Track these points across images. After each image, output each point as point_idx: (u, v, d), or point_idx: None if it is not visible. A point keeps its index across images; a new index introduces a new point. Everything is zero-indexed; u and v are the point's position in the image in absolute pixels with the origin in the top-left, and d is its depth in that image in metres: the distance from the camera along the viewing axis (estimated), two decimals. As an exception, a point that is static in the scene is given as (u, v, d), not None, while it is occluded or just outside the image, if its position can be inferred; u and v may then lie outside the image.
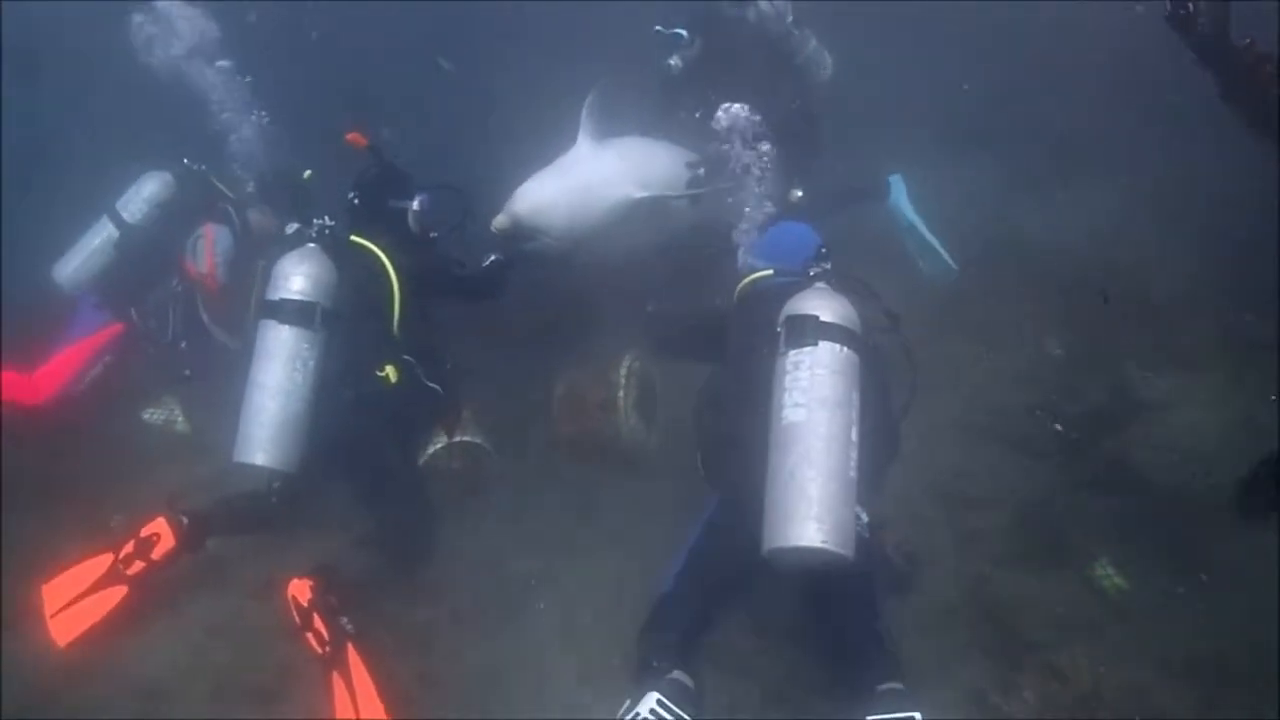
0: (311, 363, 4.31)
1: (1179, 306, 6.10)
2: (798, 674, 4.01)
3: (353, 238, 4.69)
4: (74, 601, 4.09)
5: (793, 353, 3.59)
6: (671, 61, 6.24)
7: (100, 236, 5.91)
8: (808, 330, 3.62)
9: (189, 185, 6.05)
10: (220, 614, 4.34)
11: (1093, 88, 7.94)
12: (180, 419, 5.71)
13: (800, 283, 3.95)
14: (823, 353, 3.56)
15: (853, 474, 3.42)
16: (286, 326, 4.26)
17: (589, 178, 5.46)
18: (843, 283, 3.97)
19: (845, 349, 3.59)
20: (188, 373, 5.74)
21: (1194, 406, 5.31)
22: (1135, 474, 4.89)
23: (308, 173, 5.52)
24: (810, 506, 3.31)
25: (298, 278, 4.36)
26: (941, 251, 6.46)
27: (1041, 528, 4.68)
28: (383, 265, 4.58)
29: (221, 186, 6.09)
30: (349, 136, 5.09)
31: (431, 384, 4.78)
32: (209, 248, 5.84)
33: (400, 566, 4.53)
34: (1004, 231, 7.21)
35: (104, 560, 4.18)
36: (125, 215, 5.89)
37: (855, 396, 3.56)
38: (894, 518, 4.41)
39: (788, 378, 3.56)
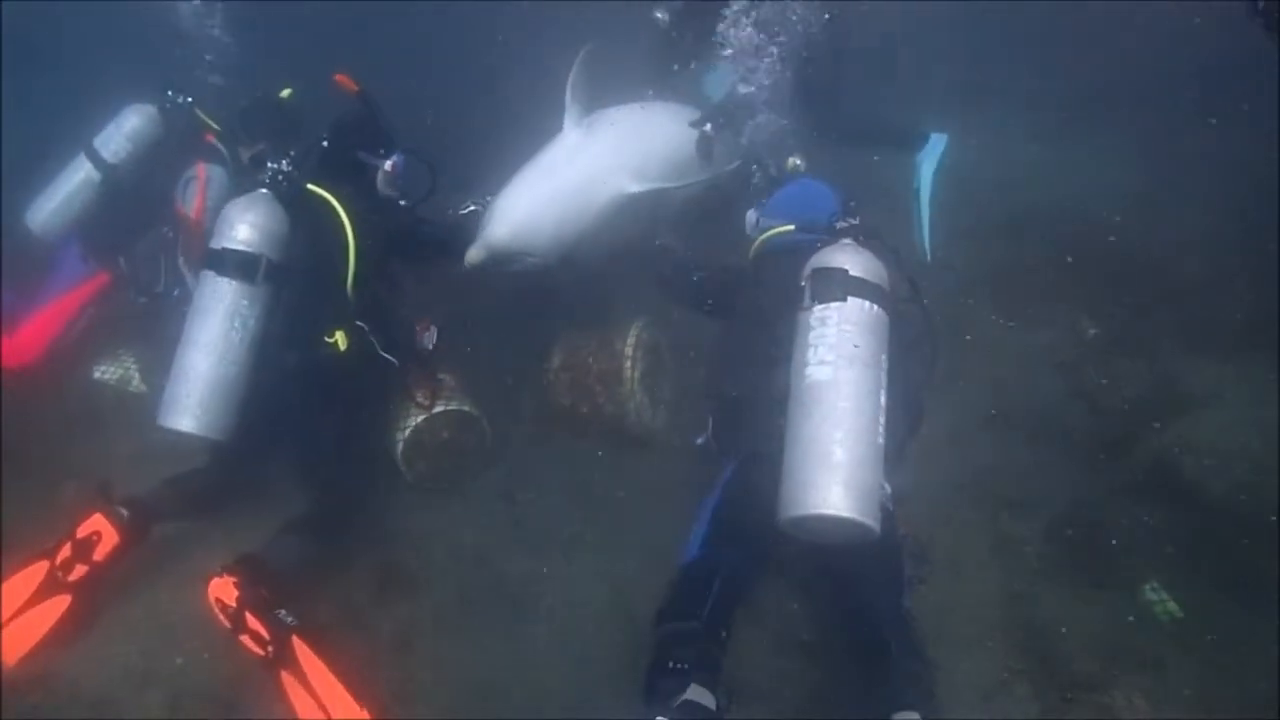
0: (251, 321, 3.84)
1: (1215, 288, 5.59)
2: (820, 696, 3.62)
3: (309, 186, 4.04)
4: (16, 615, 3.58)
5: (819, 307, 3.29)
6: (658, 15, 5.52)
7: (77, 177, 5.24)
8: (835, 284, 3.31)
9: (175, 120, 5.36)
10: (174, 611, 3.79)
11: (1131, 58, 7.37)
12: (136, 378, 5.09)
13: (825, 238, 3.62)
14: (851, 308, 3.26)
15: (881, 440, 3.12)
16: (225, 279, 3.79)
17: (576, 176, 4.70)
18: (870, 241, 3.61)
19: (875, 306, 3.30)
20: None
21: (1237, 402, 4.83)
22: (1181, 479, 4.37)
23: (286, 91, 4.99)
24: (834, 472, 2.99)
25: (243, 226, 3.86)
26: (925, 234, 5.89)
27: (1084, 538, 4.21)
28: (339, 219, 3.98)
29: (209, 119, 5.40)
30: (338, 77, 4.49)
31: (387, 355, 4.21)
32: (201, 189, 5.17)
33: (336, 552, 4.05)
34: (1030, 201, 6.62)
35: (39, 568, 3.64)
36: (106, 154, 5.22)
37: (884, 358, 3.26)
38: (920, 515, 3.95)
39: (812, 333, 3.25)
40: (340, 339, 3.99)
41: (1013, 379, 5.22)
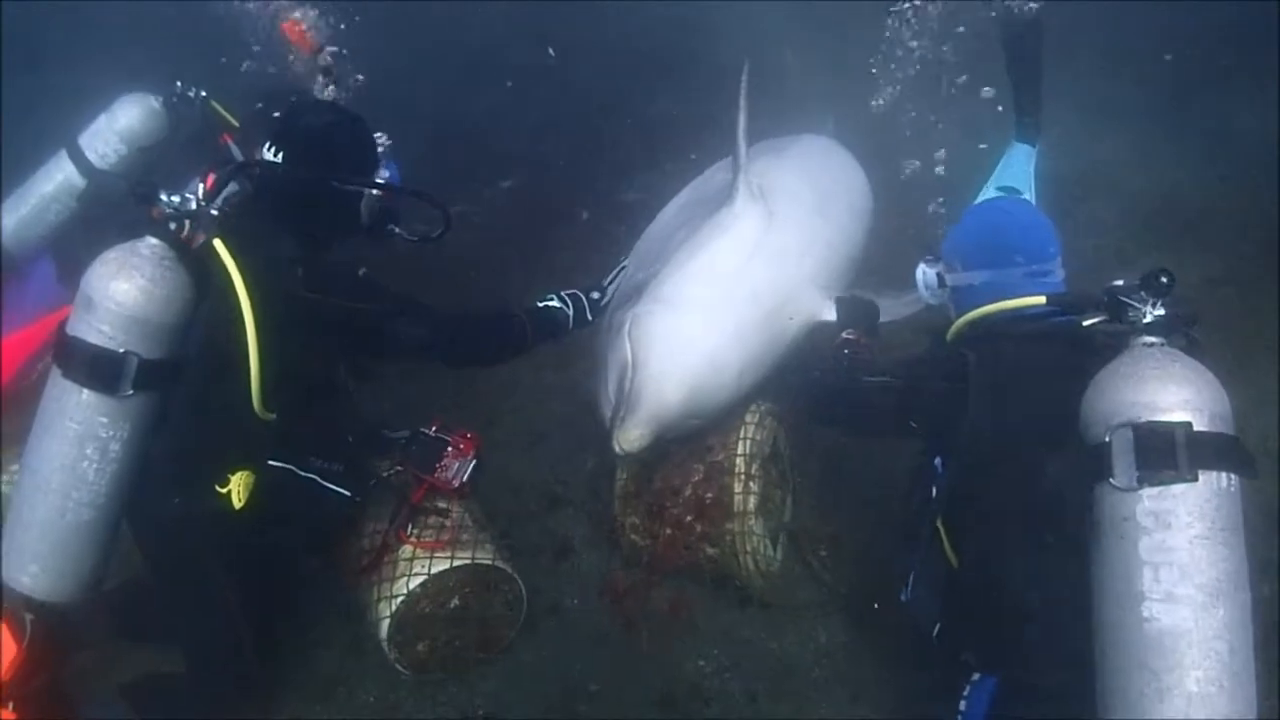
0: (115, 447, 2.42)
1: None
2: None
3: (216, 242, 2.44)
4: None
5: (1149, 494, 1.87)
6: None
7: (55, 181, 3.99)
8: (1178, 453, 1.88)
9: (182, 116, 4.03)
10: None
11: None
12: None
13: (1112, 336, 2.12)
14: (1204, 494, 1.86)
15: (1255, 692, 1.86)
16: (74, 386, 2.38)
17: (764, 297, 2.84)
18: (1198, 344, 2.10)
19: (1233, 479, 1.88)
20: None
21: None
22: None
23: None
24: None
25: (107, 307, 2.34)
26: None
27: None
28: (237, 301, 2.42)
29: (226, 115, 4.06)
30: (285, 25, 3.42)
31: (339, 489, 2.71)
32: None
33: None
34: (1171, 194, 4.86)
35: None
36: (92, 154, 3.95)
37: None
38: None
39: (1145, 541, 1.87)
40: (238, 488, 2.51)
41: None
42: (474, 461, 2.83)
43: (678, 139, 5.25)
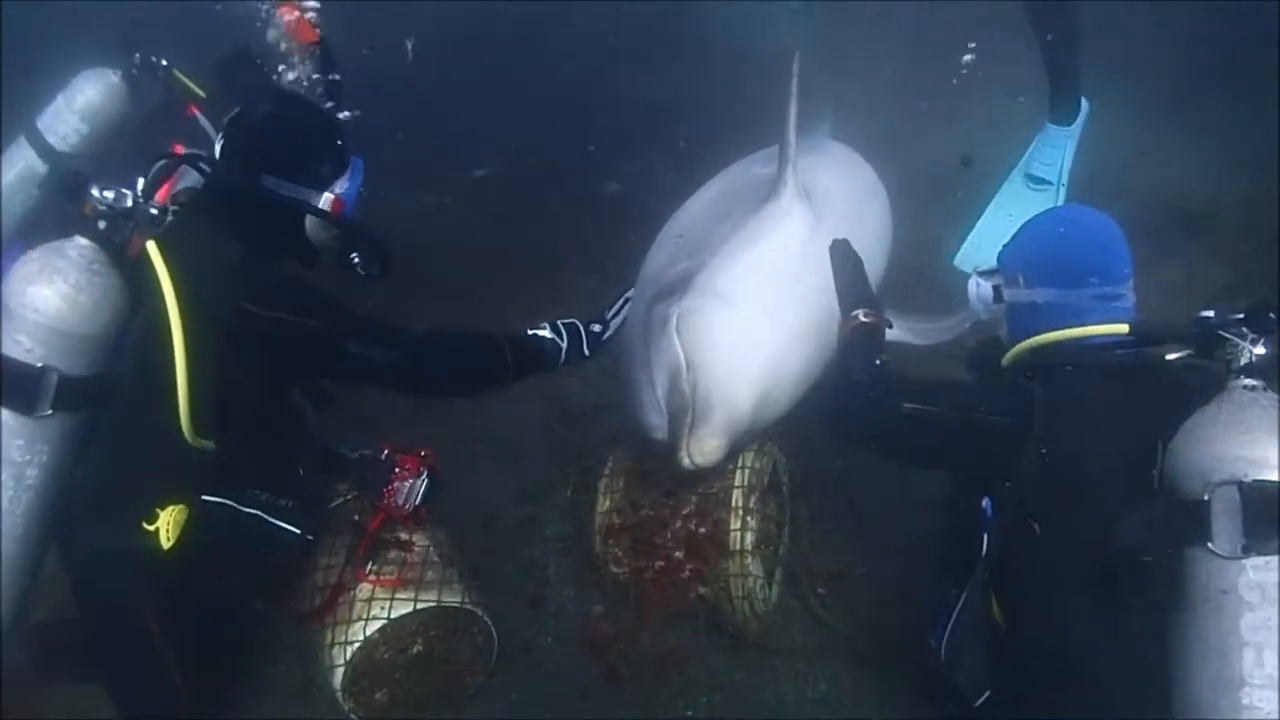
0: (32, 473, 2.20)
1: None
2: None
3: (149, 244, 2.19)
4: None
5: (1253, 565, 1.69)
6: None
7: (16, 168, 3.75)
8: None
9: (144, 89, 3.78)
10: None
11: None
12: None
13: (1202, 375, 1.94)
14: None
15: None
16: None
17: (811, 302, 2.55)
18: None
19: None
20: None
21: None
22: None
23: None
24: None
25: (25, 315, 2.15)
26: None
27: None
28: (164, 307, 2.15)
29: (191, 85, 3.81)
30: (283, 8, 3.13)
31: (285, 525, 2.37)
32: (170, 181, 3.44)
33: None
34: (1191, 199, 4.47)
35: None
36: (53, 138, 3.72)
37: None
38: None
39: (1247, 617, 1.68)
40: (166, 525, 2.19)
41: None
42: (425, 481, 2.53)
43: (661, 128, 5.00)
